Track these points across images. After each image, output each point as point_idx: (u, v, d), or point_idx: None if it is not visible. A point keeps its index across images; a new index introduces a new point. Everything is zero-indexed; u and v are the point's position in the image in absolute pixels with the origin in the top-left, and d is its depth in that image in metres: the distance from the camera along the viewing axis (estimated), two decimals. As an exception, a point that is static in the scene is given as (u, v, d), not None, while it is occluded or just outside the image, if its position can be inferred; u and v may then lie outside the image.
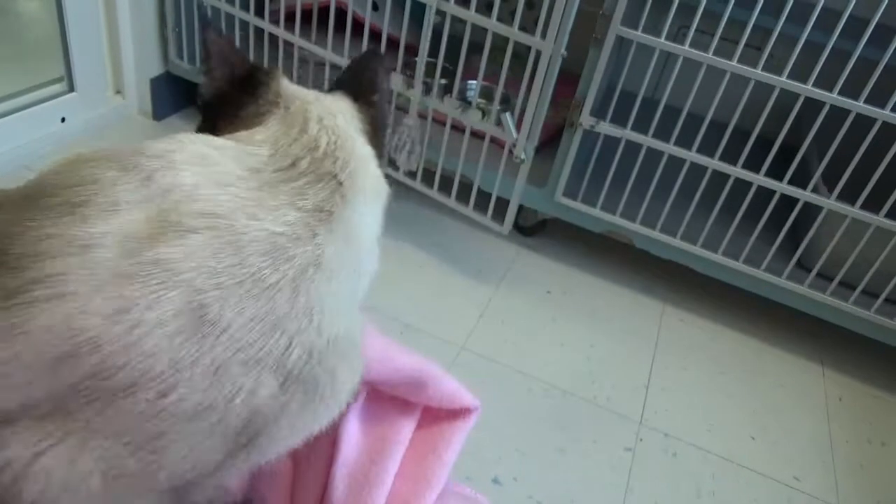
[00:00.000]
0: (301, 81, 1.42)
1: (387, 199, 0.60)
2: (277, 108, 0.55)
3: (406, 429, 0.43)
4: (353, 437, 0.41)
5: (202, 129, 0.60)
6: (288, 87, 0.60)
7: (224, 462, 0.36)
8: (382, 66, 0.67)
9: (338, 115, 0.58)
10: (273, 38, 1.32)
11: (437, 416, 0.43)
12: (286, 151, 0.50)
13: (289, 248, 0.41)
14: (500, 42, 1.06)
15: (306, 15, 1.27)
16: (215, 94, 0.59)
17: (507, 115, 1.07)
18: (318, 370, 0.39)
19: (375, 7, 1.46)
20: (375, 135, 0.61)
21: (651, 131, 1.14)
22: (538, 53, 1.02)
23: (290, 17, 1.33)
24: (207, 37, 0.57)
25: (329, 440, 0.40)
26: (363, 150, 0.57)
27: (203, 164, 0.42)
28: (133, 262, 0.35)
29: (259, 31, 1.33)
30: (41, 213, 0.36)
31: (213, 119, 0.57)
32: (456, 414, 0.41)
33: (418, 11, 1.10)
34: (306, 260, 0.41)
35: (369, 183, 0.56)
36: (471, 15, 1.04)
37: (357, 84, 0.64)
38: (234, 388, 0.35)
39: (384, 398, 0.43)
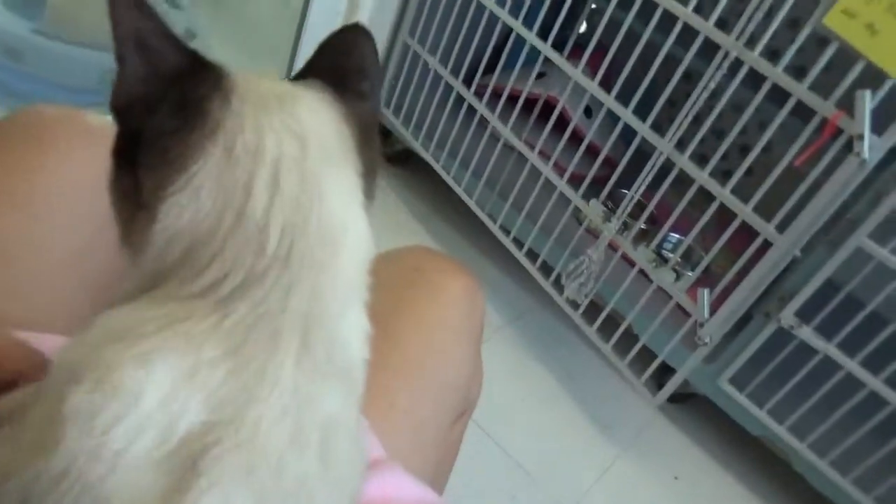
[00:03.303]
0: (482, 156, 1.40)
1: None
2: (213, 144, 0.30)
3: None
4: None
5: (117, 175, 0.32)
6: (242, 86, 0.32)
7: None
8: (370, 44, 0.38)
9: (310, 143, 0.31)
10: (471, 109, 1.30)
11: None
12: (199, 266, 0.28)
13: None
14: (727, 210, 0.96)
15: (512, 97, 1.23)
16: (126, 102, 0.31)
17: (706, 291, 0.97)
18: None
19: (588, 113, 1.40)
20: (366, 147, 0.35)
21: (860, 356, 0.99)
22: (766, 241, 0.91)
23: (495, 94, 1.30)
24: (116, 8, 0.30)
25: None
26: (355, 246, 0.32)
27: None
28: None
29: (459, 99, 1.32)
30: None
31: (131, 150, 0.30)
32: None
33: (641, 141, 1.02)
34: None
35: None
36: (702, 177, 0.95)
37: (339, 68, 0.37)
38: None
39: None
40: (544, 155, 1.19)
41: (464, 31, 1.27)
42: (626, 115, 1.03)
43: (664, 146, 0.98)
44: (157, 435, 0.25)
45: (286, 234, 0.29)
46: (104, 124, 0.49)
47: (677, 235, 1.16)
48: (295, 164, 0.30)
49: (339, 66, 0.37)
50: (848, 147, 0.81)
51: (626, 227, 1.07)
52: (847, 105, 0.81)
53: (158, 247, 0.29)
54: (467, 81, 1.32)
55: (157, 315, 0.27)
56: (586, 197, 1.12)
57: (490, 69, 1.31)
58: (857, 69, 0.80)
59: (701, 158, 1.00)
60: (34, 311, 0.45)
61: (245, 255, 0.28)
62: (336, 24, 1.37)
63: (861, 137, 0.79)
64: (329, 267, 0.30)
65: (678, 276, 1.01)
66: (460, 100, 1.32)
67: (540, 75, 1.22)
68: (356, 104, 0.36)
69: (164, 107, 0.30)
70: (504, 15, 1.19)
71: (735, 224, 0.94)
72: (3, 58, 1.18)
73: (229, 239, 0.28)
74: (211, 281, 0.28)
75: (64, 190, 0.49)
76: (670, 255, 1.03)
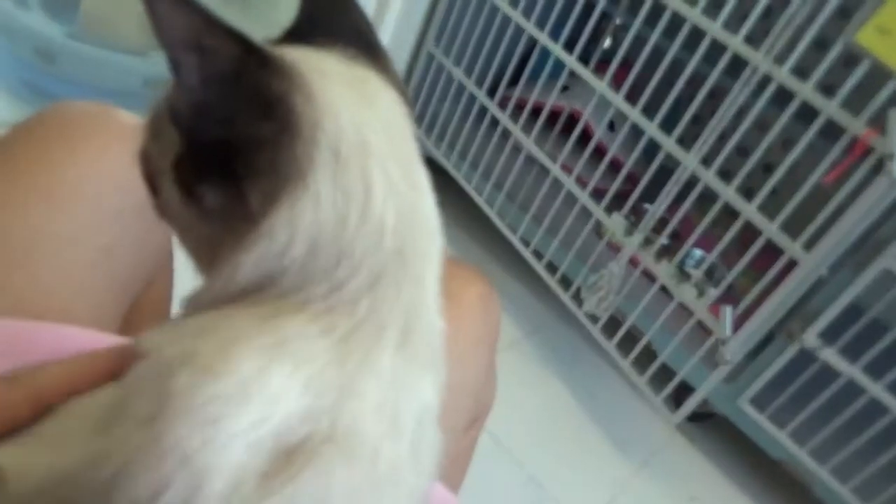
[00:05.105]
0: (504, 168, 1.39)
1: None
2: (318, 149, 0.28)
3: None
4: None
5: (191, 191, 0.29)
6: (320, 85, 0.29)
7: None
8: None
9: (395, 129, 0.31)
10: (494, 121, 1.30)
11: None
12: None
13: None
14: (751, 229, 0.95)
15: (535, 110, 1.23)
16: (193, 112, 0.28)
17: (729, 308, 0.95)
18: None
19: (612, 128, 1.40)
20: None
21: (885, 380, 0.96)
22: (790, 260, 0.90)
23: (519, 106, 1.30)
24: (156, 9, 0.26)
25: None
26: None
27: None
28: None
29: (483, 110, 1.32)
30: None
31: (216, 162, 0.28)
32: None
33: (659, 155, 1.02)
34: None
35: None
36: (729, 194, 0.94)
37: (345, 28, 0.33)
38: None
39: None
40: (567, 168, 1.18)
41: (489, 43, 1.27)
42: (652, 128, 1.02)
43: (689, 161, 0.97)
44: (261, 419, 0.25)
45: (399, 227, 0.29)
46: (137, 122, 0.50)
47: (700, 251, 1.15)
48: (394, 154, 0.29)
49: (343, 25, 0.34)
50: (878, 166, 0.80)
51: (648, 241, 1.06)
52: (878, 123, 0.80)
53: (261, 256, 0.28)
54: (491, 93, 1.32)
55: (264, 314, 0.27)
56: (608, 211, 1.11)
57: (514, 81, 1.31)
58: (890, 87, 0.79)
59: (724, 175, 0.99)
60: (56, 302, 0.46)
61: (370, 253, 0.28)
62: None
63: (892, 157, 0.77)
64: (430, 257, 0.31)
65: (700, 293, 1.00)
66: (483, 111, 1.32)
67: (563, 89, 1.22)
68: (391, 71, 0.34)
69: (243, 112, 0.27)
70: (530, 27, 1.20)
71: (760, 241, 0.92)
72: (36, 61, 1.20)
73: (357, 239, 0.28)
74: (339, 281, 0.28)
75: (93, 185, 0.49)
76: (693, 272, 1.02)
